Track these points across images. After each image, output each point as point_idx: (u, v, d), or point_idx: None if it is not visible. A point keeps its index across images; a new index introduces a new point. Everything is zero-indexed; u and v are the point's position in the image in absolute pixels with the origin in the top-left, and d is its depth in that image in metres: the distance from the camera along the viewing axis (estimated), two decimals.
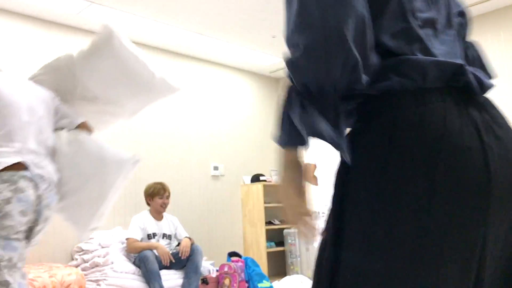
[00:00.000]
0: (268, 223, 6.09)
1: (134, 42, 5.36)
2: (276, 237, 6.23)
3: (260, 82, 6.79)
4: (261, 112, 6.70)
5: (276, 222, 6.25)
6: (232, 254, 5.08)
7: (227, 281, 4.62)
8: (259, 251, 5.83)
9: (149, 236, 4.34)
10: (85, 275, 4.09)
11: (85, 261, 4.30)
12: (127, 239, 4.27)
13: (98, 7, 4.40)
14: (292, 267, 5.81)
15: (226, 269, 4.69)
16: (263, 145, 6.63)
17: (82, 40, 4.89)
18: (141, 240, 4.28)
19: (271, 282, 4.81)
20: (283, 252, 6.15)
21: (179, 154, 5.58)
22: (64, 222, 4.48)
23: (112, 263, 4.07)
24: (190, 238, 4.45)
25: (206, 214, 5.73)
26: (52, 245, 4.38)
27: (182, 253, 4.24)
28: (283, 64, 6.39)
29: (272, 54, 6.00)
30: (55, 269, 3.76)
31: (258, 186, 5.98)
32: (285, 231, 6.01)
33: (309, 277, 5.32)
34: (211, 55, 5.94)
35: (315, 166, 4.40)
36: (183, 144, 5.64)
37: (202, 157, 5.81)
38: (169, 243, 4.46)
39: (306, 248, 5.67)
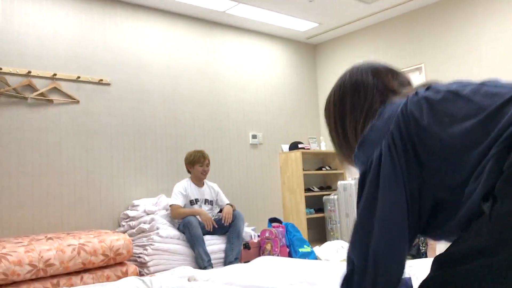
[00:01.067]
0: (307, 190, 6.12)
1: (169, 12, 5.38)
2: (315, 204, 6.25)
3: (297, 49, 6.70)
4: (298, 79, 6.64)
5: (315, 189, 6.26)
6: (273, 220, 5.15)
7: (268, 246, 4.70)
8: (298, 217, 5.88)
9: (192, 202, 4.45)
10: (132, 240, 4.24)
11: (131, 227, 4.47)
12: (170, 205, 4.39)
13: None
14: (332, 233, 5.84)
15: (267, 234, 4.76)
16: (301, 113, 6.60)
17: (122, 13, 4.95)
18: (184, 207, 4.39)
19: (311, 247, 4.86)
20: (322, 218, 6.18)
21: (218, 124, 5.63)
22: (111, 191, 4.65)
23: (158, 229, 4.21)
24: (231, 205, 4.54)
25: (246, 182, 5.80)
26: (100, 213, 4.57)
27: (224, 219, 4.33)
28: (319, 30, 6.27)
29: (309, 19, 5.89)
30: (104, 234, 3.91)
31: (297, 153, 5.99)
32: (324, 197, 6.02)
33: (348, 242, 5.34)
34: (247, 23, 5.90)
35: None
36: (221, 114, 5.68)
37: (240, 126, 5.85)
38: (211, 209, 4.56)
39: (346, 214, 5.67)
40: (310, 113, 6.71)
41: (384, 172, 1.02)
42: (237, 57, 5.95)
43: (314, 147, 6.47)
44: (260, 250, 4.82)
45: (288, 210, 6.06)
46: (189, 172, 4.58)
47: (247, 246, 4.69)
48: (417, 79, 5.83)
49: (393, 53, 5.96)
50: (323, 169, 6.39)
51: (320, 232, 6.28)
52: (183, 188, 4.44)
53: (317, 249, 4.88)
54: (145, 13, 5.16)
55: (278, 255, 4.64)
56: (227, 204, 4.59)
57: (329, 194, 6.08)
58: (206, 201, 4.54)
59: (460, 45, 5.32)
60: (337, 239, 5.67)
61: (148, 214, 4.47)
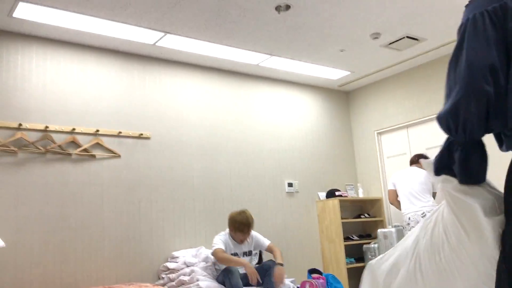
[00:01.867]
0: (346, 238, 6.00)
1: (205, 67, 5.59)
2: (355, 253, 6.11)
3: (329, 96, 6.77)
4: (332, 127, 6.67)
5: (355, 237, 6.14)
6: (313, 271, 5.05)
7: None
8: (338, 267, 5.74)
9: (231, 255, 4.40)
10: None
11: (171, 280, 4.46)
12: (214, 250, 4.28)
13: (172, 36, 4.64)
14: None
15: (307, 286, 4.66)
16: (336, 159, 6.58)
17: (160, 69, 5.17)
18: None
19: None
20: (363, 267, 6.00)
21: (254, 172, 5.67)
22: (150, 243, 4.69)
23: (198, 280, 4.19)
24: (282, 264, 4.31)
25: (283, 231, 5.75)
26: (140, 265, 4.59)
27: (276, 284, 4.17)
28: (351, 77, 6.35)
29: (340, 68, 5.99)
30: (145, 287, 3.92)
31: (334, 201, 5.92)
32: (364, 246, 5.88)
33: None
34: (280, 74, 6.03)
35: (395, 191, 5.43)
36: (257, 163, 5.73)
37: (276, 174, 5.87)
38: (250, 259, 4.50)
39: None
40: (346, 159, 6.69)
41: (471, 28, 1.27)
42: (271, 107, 6.06)
43: (351, 194, 6.40)
44: None
45: (328, 260, 5.93)
46: (230, 230, 4.47)
47: None
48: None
49: (427, 98, 5.95)
50: (362, 216, 6.28)
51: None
52: (223, 239, 4.40)
53: None
54: (182, 69, 5.36)
55: None
56: (279, 264, 4.29)
57: (369, 243, 5.94)
58: (244, 253, 4.49)
59: None
60: None
61: (188, 266, 4.47)
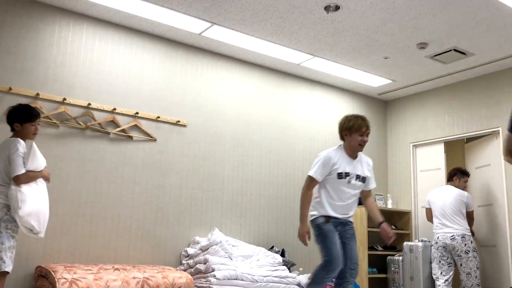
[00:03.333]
0: (371, 248, 5.92)
1: (246, 62, 5.63)
2: (378, 263, 6.02)
3: (367, 104, 6.71)
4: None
5: (379, 248, 6.05)
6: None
7: None
8: (360, 275, 5.67)
9: (340, 175, 3.46)
10: (194, 279, 4.26)
11: (190, 267, 4.50)
12: (308, 176, 3.53)
13: (218, 28, 4.69)
14: None
15: None
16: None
17: (203, 59, 5.23)
18: (327, 182, 3.50)
19: None
20: (385, 279, 5.93)
21: (285, 171, 5.66)
22: (176, 229, 4.75)
23: (213, 270, 4.19)
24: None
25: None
26: (164, 249, 4.65)
27: (390, 239, 3.50)
28: (392, 86, 6.26)
29: (383, 75, 5.92)
30: (167, 271, 3.98)
31: (362, 209, 5.86)
32: (388, 257, 5.79)
33: None
34: (320, 76, 6.01)
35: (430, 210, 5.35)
36: (288, 161, 5.72)
37: (306, 175, 5.84)
38: (355, 194, 3.57)
39: (411, 277, 5.40)
40: (378, 169, 6.61)
41: None
42: (307, 108, 6.04)
43: (380, 204, 6.31)
44: None
45: None
46: (342, 139, 3.61)
47: None
48: (494, 145, 5.61)
49: (468, 114, 5.81)
50: None
51: None
52: (329, 158, 3.48)
53: None
54: (224, 61, 5.41)
55: None
56: (383, 221, 3.58)
57: (393, 255, 5.84)
58: (357, 177, 3.53)
59: None
60: None
61: (202, 250, 4.49)
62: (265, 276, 4.37)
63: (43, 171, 3.27)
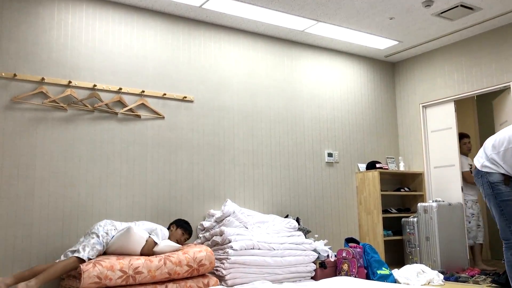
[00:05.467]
0: (385, 211, 5.95)
1: (249, 32, 5.54)
2: (392, 226, 6.06)
3: (375, 67, 6.62)
4: (376, 98, 6.54)
5: (393, 210, 6.07)
6: (350, 240, 5.04)
7: (345, 266, 4.61)
8: (375, 239, 5.72)
9: None
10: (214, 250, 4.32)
11: (207, 239, 4.56)
12: None
13: None
14: (410, 256, 5.61)
15: (344, 254, 4.67)
16: (379, 132, 6.47)
17: (205, 33, 5.17)
18: None
19: (390, 270, 4.70)
20: (400, 241, 5.97)
21: (294, 141, 5.65)
22: (190, 204, 4.79)
23: (230, 241, 4.24)
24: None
25: (320, 200, 5.75)
26: None
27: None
28: (399, 47, 6.16)
29: (389, 37, 5.81)
30: (186, 247, 4.03)
31: (374, 173, 5.86)
32: (403, 219, 5.81)
33: (430, 267, 5.10)
34: (325, 41, 5.92)
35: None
36: (298, 131, 5.71)
37: (316, 143, 5.84)
38: None
39: (426, 238, 5.44)
40: (388, 132, 6.57)
41: None
42: (315, 75, 5.98)
43: (392, 167, 6.30)
44: (336, 270, 4.73)
45: (365, 231, 5.91)
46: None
47: (323, 265, 4.62)
48: (506, 100, 5.53)
49: (478, 71, 5.71)
50: (402, 190, 6.19)
51: (398, 255, 6.06)
52: None
53: (396, 272, 4.71)
54: (227, 33, 5.34)
55: (355, 276, 4.53)
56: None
57: (408, 216, 5.87)
58: None
59: None
60: (416, 262, 5.43)
61: (217, 223, 4.53)
62: (281, 243, 4.42)
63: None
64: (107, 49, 4.56)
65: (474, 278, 4.81)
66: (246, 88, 5.39)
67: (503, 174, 3.11)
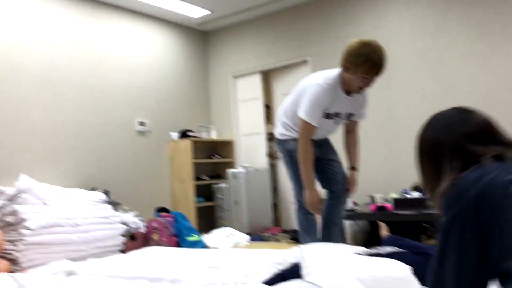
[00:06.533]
0: (197, 179, 6.06)
1: None
2: (205, 193, 6.23)
3: (188, 35, 6.58)
4: (188, 66, 6.53)
5: (205, 177, 6.23)
6: (161, 209, 5.02)
7: (156, 236, 4.57)
8: (188, 206, 5.81)
9: (328, 116, 2.96)
10: (4, 233, 3.84)
11: None
12: (302, 122, 2.87)
13: None
14: (221, 221, 5.86)
15: (155, 224, 4.63)
16: (191, 100, 6.51)
17: None
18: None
19: (200, 236, 4.83)
20: (212, 207, 6.18)
21: (101, 109, 5.33)
22: None
23: (25, 221, 3.81)
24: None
25: (132, 171, 5.58)
26: None
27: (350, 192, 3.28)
28: (211, 17, 6.22)
29: (200, 4, 5.80)
30: None
31: (186, 142, 5.90)
32: (214, 186, 6.01)
33: (238, 230, 5.40)
34: (136, 5, 5.64)
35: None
36: (105, 99, 5.38)
37: (127, 112, 5.60)
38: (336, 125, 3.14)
39: (235, 202, 5.72)
40: (201, 101, 6.65)
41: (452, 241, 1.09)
42: (125, 40, 5.67)
43: (204, 136, 6.43)
44: (146, 240, 4.67)
45: (177, 200, 5.95)
46: (341, 68, 2.86)
47: (133, 237, 4.52)
48: (304, 72, 6.05)
49: (281, 45, 6.11)
50: (213, 157, 6.38)
51: (210, 220, 6.27)
52: (325, 97, 2.84)
53: (206, 237, 4.86)
54: None
55: (166, 245, 4.53)
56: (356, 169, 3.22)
57: (218, 183, 6.09)
58: (348, 115, 3.08)
59: (342, 41, 5.61)
60: (226, 226, 5.70)
61: (11, 201, 4.03)
62: (85, 218, 4.16)
63: None
64: None
65: (275, 236, 5.26)
66: (45, 51, 4.83)
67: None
